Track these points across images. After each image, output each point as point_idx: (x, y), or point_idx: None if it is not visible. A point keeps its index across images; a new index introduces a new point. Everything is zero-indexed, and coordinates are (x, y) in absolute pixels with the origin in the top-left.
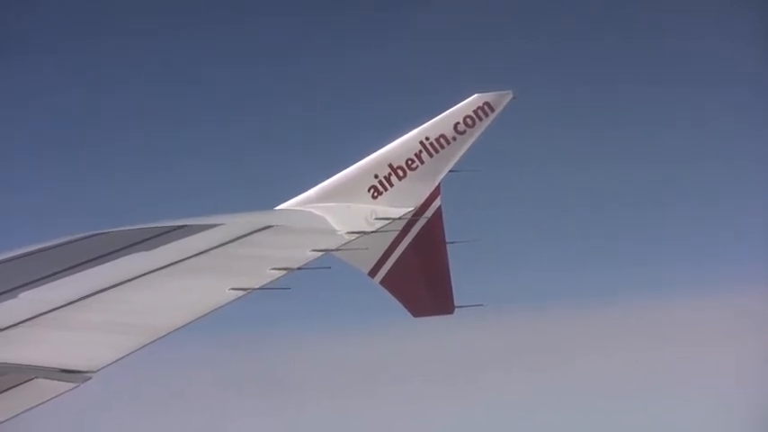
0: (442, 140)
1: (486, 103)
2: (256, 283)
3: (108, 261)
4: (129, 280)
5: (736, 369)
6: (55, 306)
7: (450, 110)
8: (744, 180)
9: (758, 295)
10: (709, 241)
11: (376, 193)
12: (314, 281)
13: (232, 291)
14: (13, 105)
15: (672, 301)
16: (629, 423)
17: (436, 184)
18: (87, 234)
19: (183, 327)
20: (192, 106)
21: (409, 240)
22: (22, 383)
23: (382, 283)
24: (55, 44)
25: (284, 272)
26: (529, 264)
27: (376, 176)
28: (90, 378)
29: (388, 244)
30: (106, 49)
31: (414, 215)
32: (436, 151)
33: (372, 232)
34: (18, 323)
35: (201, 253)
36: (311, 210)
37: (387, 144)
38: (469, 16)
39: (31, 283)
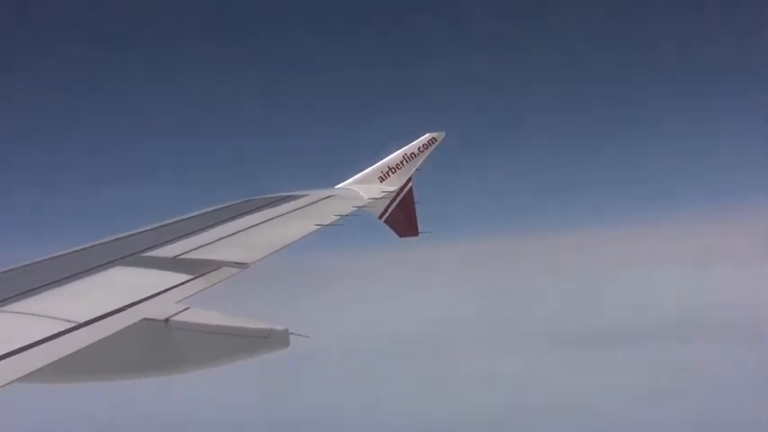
0: (412, 155)
1: (433, 137)
2: (326, 222)
3: (252, 213)
4: (261, 222)
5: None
6: (228, 234)
7: (416, 140)
8: None
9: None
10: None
11: (381, 180)
12: (353, 221)
13: (314, 226)
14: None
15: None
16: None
17: (410, 175)
18: (241, 200)
19: (289, 245)
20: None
21: (398, 201)
22: (215, 269)
23: (385, 221)
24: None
25: (339, 217)
26: (453, 215)
27: (382, 172)
28: (248, 266)
29: (388, 202)
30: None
31: (400, 189)
32: (410, 160)
33: (381, 198)
34: (212, 242)
35: (298, 209)
36: (351, 187)
37: (386, 156)
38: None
39: (217, 224)
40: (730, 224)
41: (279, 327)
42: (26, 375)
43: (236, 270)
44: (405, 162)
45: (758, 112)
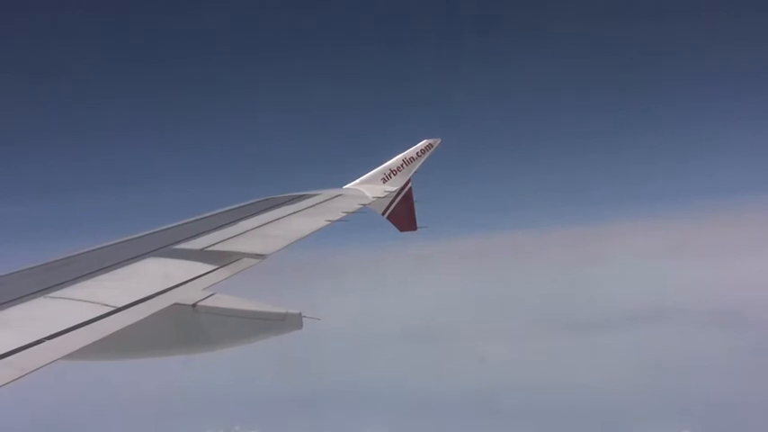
0: (411, 159)
1: (429, 143)
2: (334, 218)
3: (269, 210)
4: (277, 218)
5: None
6: (248, 229)
7: (414, 146)
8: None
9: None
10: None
11: (384, 181)
12: (359, 217)
13: (325, 221)
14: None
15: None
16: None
17: (409, 176)
18: (260, 199)
19: (302, 238)
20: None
21: (399, 199)
22: (237, 260)
23: (387, 217)
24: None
25: (346, 213)
26: (448, 213)
27: (385, 174)
28: (266, 257)
29: (390, 200)
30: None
31: (401, 189)
32: (409, 164)
33: (384, 197)
34: (234, 236)
35: (310, 206)
36: (357, 187)
37: (388, 160)
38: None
39: (238, 219)
40: (729, 221)
41: (293, 310)
42: (70, 354)
43: (255, 261)
44: (405, 165)
45: (758, 112)
